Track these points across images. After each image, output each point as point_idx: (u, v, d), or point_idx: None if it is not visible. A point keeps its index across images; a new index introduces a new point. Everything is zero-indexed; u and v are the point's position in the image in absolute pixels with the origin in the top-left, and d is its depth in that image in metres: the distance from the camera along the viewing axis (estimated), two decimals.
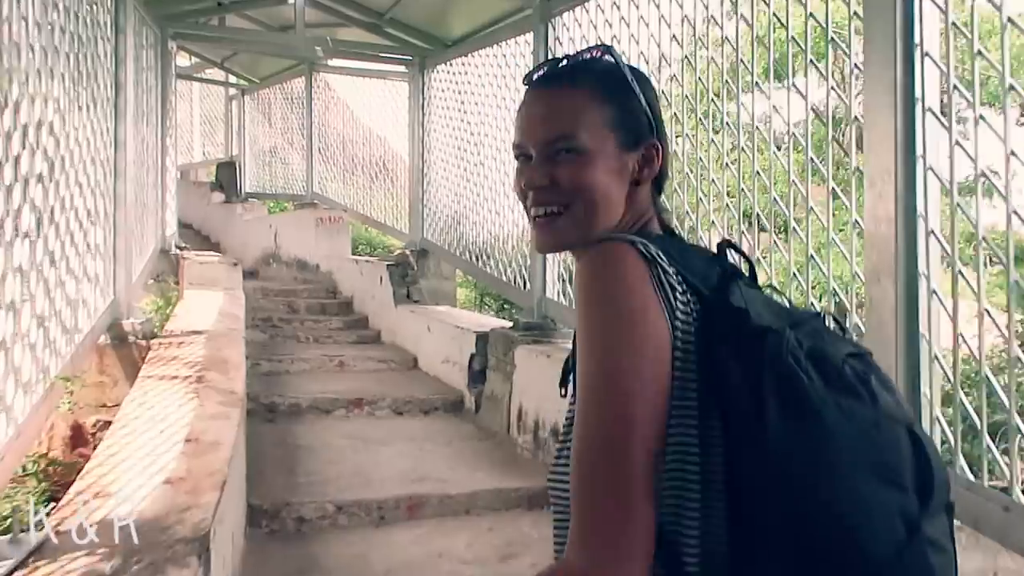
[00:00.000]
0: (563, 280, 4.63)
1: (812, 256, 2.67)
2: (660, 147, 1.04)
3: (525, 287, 5.07)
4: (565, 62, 1.05)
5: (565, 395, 1.01)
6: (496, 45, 5.81)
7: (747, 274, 1.01)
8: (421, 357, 6.44)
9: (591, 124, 0.99)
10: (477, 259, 6.28)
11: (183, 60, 13.59)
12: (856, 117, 2.51)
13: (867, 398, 0.86)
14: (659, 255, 0.89)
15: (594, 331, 0.86)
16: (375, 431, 4.77)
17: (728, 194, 3.25)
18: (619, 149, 1.00)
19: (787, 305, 1.02)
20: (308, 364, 6.15)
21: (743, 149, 3.08)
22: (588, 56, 1.05)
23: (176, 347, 4.07)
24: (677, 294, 0.88)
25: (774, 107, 2.94)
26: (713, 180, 3.36)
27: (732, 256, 1.02)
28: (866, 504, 0.81)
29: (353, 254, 10.53)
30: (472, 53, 6.40)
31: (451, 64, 6.92)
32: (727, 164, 3.20)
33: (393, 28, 7.20)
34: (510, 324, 5.02)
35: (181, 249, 6.98)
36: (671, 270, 0.89)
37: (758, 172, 3.01)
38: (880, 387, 0.88)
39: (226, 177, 12.73)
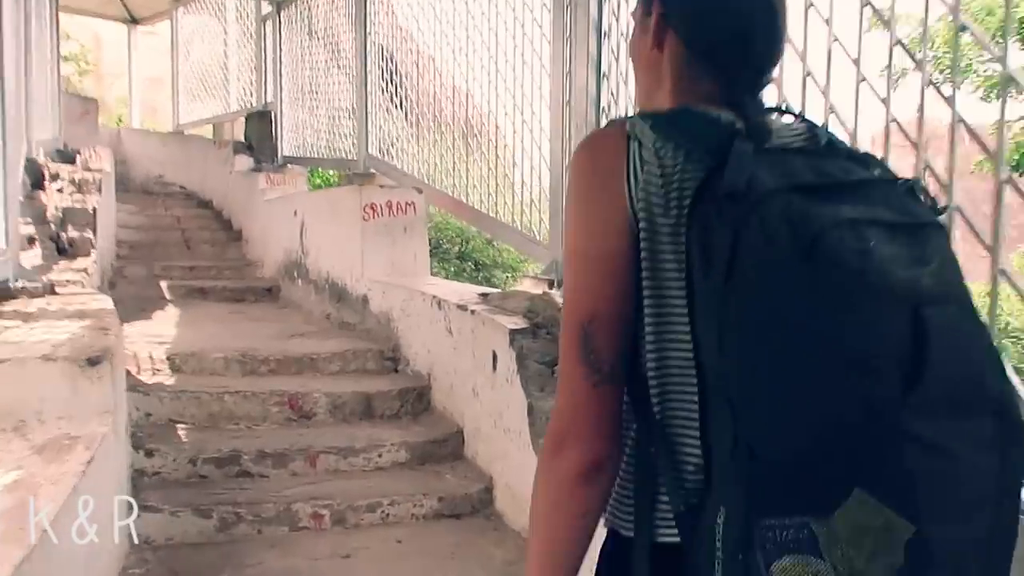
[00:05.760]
0: None
1: None
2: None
3: None
4: None
5: None
6: None
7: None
8: None
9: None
10: None
11: None
12: None
13: (850, 269, 0.75)
14: (642, 132, 0.89)
15: (566, 215, 0.93)
16: None
17: None
18: (642, 18, 1.03)
19: (836, 170, 0.86)
20: None
21: None
22: None
23: None
24: (650, 167, 0.88)
25: None
26: None
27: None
28: (805, 390, 0.73)
29: (439, 263, 6.26)
30: None
31: None
32: None
33: None
34: None
35: None
36: (655, 146, 0.88)
37: None
38: (892, 261, 0.76)
39: (257, 134, 8.72)
